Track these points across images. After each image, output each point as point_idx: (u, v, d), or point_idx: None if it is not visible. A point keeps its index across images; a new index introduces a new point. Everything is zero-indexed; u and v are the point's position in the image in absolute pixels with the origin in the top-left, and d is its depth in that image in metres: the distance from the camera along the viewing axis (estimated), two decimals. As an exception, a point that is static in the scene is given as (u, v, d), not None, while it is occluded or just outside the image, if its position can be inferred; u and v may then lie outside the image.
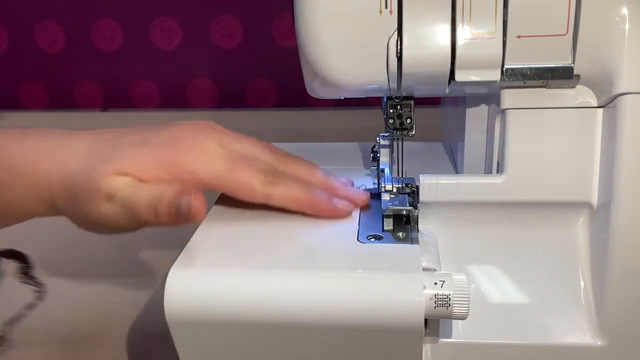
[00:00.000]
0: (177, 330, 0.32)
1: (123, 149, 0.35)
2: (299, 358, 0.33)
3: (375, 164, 0.44)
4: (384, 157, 0.42)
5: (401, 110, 0.38)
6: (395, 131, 0.39)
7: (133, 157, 0.35)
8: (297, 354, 0.32)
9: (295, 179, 0.38)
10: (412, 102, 0.39)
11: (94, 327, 0.51)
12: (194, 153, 0.36)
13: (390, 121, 0.39)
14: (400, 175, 0.41)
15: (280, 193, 0.36)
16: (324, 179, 0.40)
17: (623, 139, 0.34)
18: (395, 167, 0.42)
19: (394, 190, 0.40)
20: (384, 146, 0.42)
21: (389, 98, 0.39)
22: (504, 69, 0.34)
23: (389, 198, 0.40)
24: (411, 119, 0.39)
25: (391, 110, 0.39)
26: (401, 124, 0.39)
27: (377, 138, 0.42)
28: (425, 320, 0.31)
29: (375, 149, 0.45)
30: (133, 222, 0.34)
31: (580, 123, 0.36)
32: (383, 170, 0.42)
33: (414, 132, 0.39)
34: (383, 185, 0.41)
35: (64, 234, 0.48)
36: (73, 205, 0.35)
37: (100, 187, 0.34)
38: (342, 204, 0.38)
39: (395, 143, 0.41)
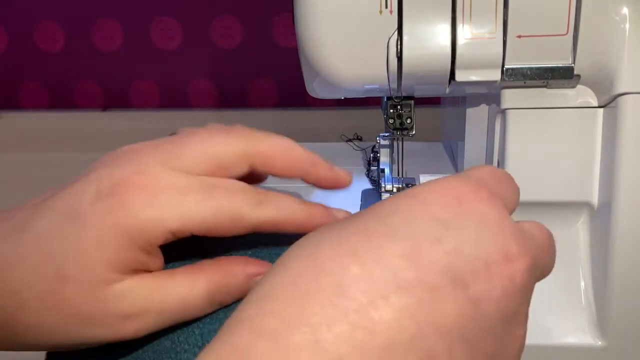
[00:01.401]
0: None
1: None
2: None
3: (376, 164, 0.44)
4: (384, 157, 0.42)
5: (401, 110, 0.38)
6: (395, 131, 0.39)
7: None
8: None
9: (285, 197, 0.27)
10: (412, 102, 0.39)
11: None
12: (147, 197, 0.24)
13: (391, 121, 0.39)
14: (400, 175, 0.41)
15: (272, 215, 0.26)
16: (306, 157, 0.29)
17: (623, 138, 0.34)
18: (395, 167, 0.42)
19: (394, 190, 0.40)
20: (384, 146, 0.42)
21: (389, 98, 0.39)
22: (504, 68, 0.34)
23: (389, 198, 0.40)
24: (411, 118, 0.39)
25: (391, 110, 0.39)
26: (401, 123, 0.39)
27: (377, 138, 0.42)
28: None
29: (375, 149, 0.45)
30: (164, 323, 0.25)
31: (580, 123, 0.36)
32: (383, 170, 0.42)
33: (414, 132, 0.39)
34: (383, 185, 0.41)
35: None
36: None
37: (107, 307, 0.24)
38: (341, 214, 0.28)
39: (395, 143, 0.41)
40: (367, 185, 0.45)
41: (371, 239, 0.20)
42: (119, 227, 0.24)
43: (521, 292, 0.21)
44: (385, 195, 0.40)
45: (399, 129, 0.39)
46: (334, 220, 0.28)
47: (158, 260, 0.26)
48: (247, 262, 0.26)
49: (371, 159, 0.48)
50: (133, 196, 0.24)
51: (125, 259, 0.24)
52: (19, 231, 0.26)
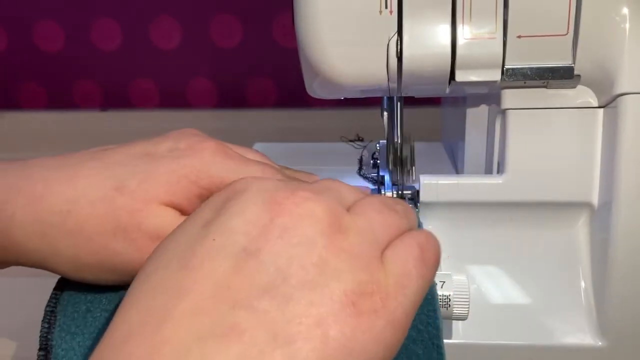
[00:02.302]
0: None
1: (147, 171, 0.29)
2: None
3: (376, 170, 0.44)
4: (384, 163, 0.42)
5: (401, 152, 0.39)
6: (395, 169, 0.39)
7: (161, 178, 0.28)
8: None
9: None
10: (413, 144, 0.39)
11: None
12: (218, 158, 0.30)
13: (391, 158, 0.39)
14: (400, 180, 0.41)
15: None
16: None
17: (624, 139, 0.34)
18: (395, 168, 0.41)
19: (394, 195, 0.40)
20: (384, 146, 0.42)
21: (389, 98, 0.39)
22: (505, 69, 0.34)
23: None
24: (411, 162, 0.39)
25: (392, 151, 0.39)
26: (402, 164, 0.39)
27: (377, 145, 0.42)
28: (426, 321, 0.31)
29: (375, 156, 0.45)
30: None
31: (580, 123, 0.36)
32: (383, 177, 0.42)
33: (414, 176, 0.39)
34: (383, 192, 0.40)
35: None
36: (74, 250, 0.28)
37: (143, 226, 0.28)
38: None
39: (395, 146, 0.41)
40: (362, 183, 0.45)
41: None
42: (190, 167, 0.29)
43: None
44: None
45: (399, 168, 0.39)
46: None
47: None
48: None
49: (371, 164, 0.47)
50: (208, 154, 0.29)
51: (179, 191, 0.28)
52: (88, 160, 0.29)
